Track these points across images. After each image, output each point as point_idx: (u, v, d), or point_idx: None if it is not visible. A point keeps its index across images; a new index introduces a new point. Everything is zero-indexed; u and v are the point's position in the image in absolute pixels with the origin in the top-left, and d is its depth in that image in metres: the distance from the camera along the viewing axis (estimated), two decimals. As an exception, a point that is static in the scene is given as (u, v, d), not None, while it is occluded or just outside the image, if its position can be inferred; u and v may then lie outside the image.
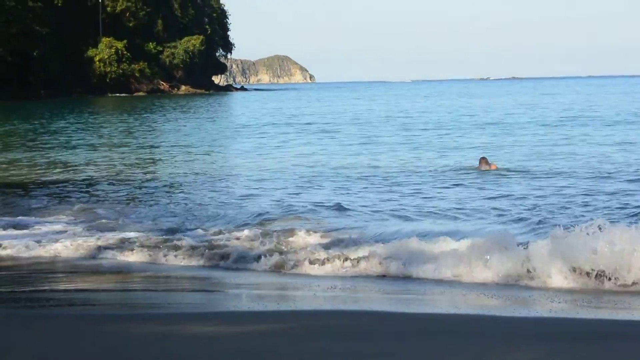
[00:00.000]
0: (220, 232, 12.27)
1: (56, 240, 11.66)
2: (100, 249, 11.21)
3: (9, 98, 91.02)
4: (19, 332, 6.42)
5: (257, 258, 10.38)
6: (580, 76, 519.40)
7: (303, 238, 11.62)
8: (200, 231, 12.41)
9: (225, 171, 21.18)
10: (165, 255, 10.80)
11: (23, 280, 9.46)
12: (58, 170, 21.61)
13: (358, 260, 10.00)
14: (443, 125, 39.47)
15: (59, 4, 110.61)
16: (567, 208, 13.73)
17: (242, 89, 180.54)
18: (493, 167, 19.22)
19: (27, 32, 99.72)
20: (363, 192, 16.41)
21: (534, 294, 8.47)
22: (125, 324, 6.73)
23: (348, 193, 16.30)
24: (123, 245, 11.37)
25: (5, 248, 11.23)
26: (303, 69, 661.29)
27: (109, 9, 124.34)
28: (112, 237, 11.89)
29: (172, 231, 12.49)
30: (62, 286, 9.24)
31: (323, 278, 9.50)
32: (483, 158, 19.83)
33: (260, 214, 13.63)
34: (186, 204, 15.40)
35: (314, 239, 11.56)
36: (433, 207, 14.33)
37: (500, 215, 13.33)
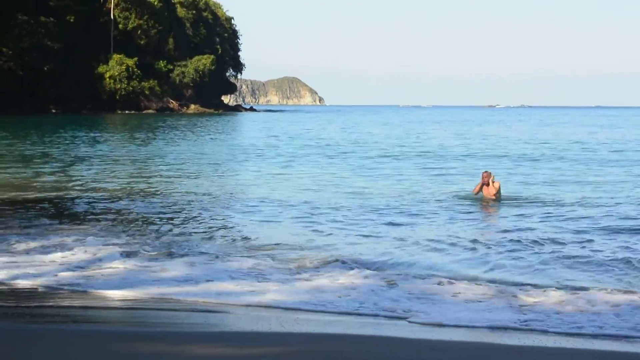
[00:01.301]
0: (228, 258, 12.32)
1: (63, 257, 11.69)
2: (105, 264, 11.20)
3: (18, 113, 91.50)
4: (23, 348, 6.40)
5: (266, 278, 10.41)
6: (589, 106, 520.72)
7: (311, 261, 11.65)
8: (216, 255, 12.48)
9: (243, 194, 20.69)
10: (172, 271, 10.82)
11: (28, 296, 9.45)
12: (75, 187, 21.58)
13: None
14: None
15: (71, 20, 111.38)
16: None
17: (252, 109, 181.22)
18: (496, 185, 18.60)
19: (39, 47, 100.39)
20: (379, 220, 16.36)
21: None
22: (130, 343, 6.71)
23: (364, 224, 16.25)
24: (129, 262, 11.38)
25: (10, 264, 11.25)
26: (313, 91, 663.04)
27: (120, 26, 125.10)
28: (118, 253, 11.92)
29: (178, 250, 12.50)
30: (66, 302, 9.22)
31: (328, 302, 9.47)
32: (486, 172, 18.91)
33: (275, 241, 13.48)
34: (200, 225, 15.35)
35: (322, 263, 11.58)
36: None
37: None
